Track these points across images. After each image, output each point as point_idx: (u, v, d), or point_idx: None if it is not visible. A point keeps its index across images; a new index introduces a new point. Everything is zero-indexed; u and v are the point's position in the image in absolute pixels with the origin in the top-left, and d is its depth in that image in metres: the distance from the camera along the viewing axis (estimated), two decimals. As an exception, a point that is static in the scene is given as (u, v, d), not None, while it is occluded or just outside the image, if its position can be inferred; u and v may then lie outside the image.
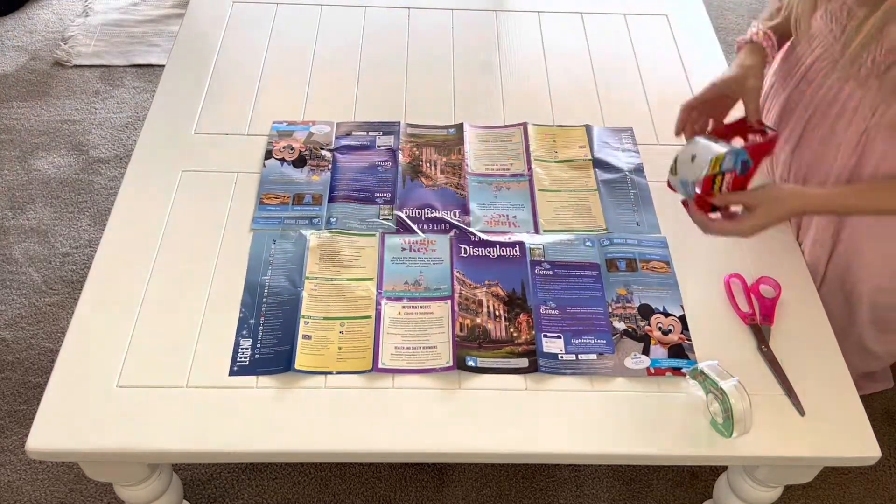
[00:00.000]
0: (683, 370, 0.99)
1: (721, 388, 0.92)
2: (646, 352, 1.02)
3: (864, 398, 1.00)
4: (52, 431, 0.92)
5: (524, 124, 1.32)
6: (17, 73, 2.23)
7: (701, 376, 0.96)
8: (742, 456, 0.95)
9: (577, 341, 1.03)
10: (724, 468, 1.16)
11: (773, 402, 0.98)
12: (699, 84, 1.41)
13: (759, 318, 1.06)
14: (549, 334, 1.03)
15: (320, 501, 1.42)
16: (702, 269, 1.13)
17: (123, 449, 0.92)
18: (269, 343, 1.01)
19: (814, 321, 1.08)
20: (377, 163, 1.24)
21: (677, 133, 1.12)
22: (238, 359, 0.99)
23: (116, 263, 1.09)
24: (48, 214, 1.87)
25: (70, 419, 0.93)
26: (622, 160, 1.27)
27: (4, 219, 1.86)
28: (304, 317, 1.04)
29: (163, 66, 1.60)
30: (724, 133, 1.10)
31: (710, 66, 1.45)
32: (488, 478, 1.46)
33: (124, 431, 0.92)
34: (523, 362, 1.01)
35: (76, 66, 2.26)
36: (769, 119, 1.23)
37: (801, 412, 0.97)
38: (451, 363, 1.00)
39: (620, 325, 1.05)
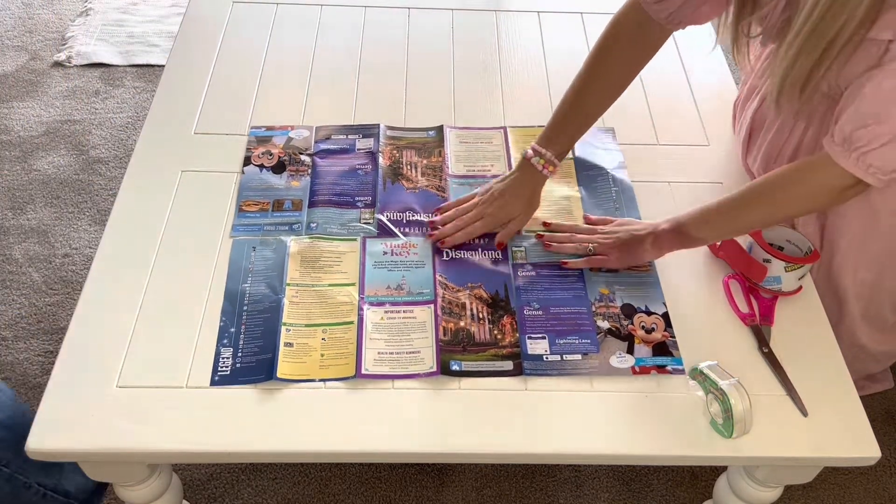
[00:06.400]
0: (668, 368, 1.00)
1: (721, 389, 0.92)
2: (630, 350, 1.02)
3: (864, 398, 1.00)
4: (52, 431, 0.92)
5: (504, 128, 1.31)
6: (17, 73, 2.23)
7: (701, 376, 0.96)
8: (742, 456, 0.95)
9: (561, 342, 1.03)
10: (724, 468, 1.16)
11: (774, 403, 0.98)
12: (699, 83, 1.42)
13: (759, 318, 1.06)
14: (533, 336, 1.03)
15: (320, 501, 1.42)
16: (700, 269, 1.12)
17: (123, 449, 0.92)
18: (250, 352, 1.00)
19: (814, 321, 1.08)
20: (357, 166, 1.23)
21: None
22: (219, 368, 0.98)
23: (116, 263, 1.09)
24: (48, 214, 1.87)
25: (70, 419, 0.93)
26: (604, 159, 1.26)
27: (4, 219, 1.86)
28: (285, 324, 1.03)
29: (163, 66, 1.60)
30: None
31: (709, 65, 1.45)
32: (488, 478, 1.46)
33: (124, 431, 0.92)
34: (508, 365, 1.00)
35: (76, 66, 2.26)
36: (741, 130, 1.24)
37: (804, 413, 0.97)
38: (434, 368, 0.99)
39: (604, 324, 1.05)
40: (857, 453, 0.95)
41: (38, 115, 2.12)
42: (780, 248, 1.09)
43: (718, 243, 1.12)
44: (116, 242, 1.11)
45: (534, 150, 1.14)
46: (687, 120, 1.35)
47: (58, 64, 2.27)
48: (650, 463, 1.40)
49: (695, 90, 1.41)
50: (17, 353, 1.62)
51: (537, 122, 1.33)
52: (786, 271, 1.06)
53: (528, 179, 1.15)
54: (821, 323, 1.07)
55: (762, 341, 1.04)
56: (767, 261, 1.06)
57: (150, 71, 2.27)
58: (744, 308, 1.08)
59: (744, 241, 1.10)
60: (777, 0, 0.96)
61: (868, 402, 1.03)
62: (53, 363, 0.98)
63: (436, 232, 1.14)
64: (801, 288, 1.09)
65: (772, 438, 0.95)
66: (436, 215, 1.17)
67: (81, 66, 2.27)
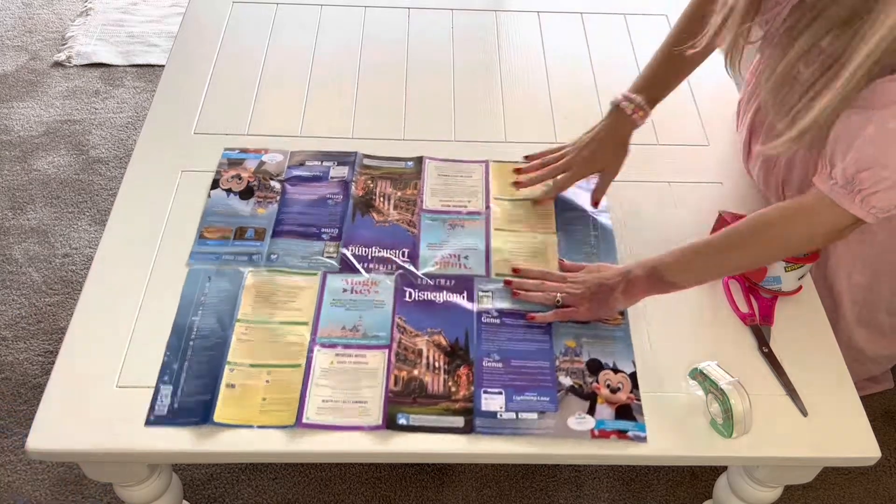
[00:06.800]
0: (630, 434, 0.94)
1: (721, 389, 0.92)
2: (591, 410, 0.96)
3: (863, 398, 1.00)
4: (52, 431, 0.92)
5: (486, 162, 1.25)
6: (17, 73, 2.23)
7: (701, 377, 0.96)
8: (742, 456, 0.95)
9: (518, 398, 0.96)
10: (724, 468, 1.16)
11: (774, 403, 0.98)
12: (699, 83, 1.42)
13: (759, 318, 1.06)
14: (489, 390, 0.97)
15: (320, 501, 1.42)
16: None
17: (123, 449, 0.92)
18: (189, 391, 0.95)
19: (814, 321, 1.08)
20: (328, 195, 1.18)
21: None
22: (156, 407, 0.93)
23: (116, 263, 1.09)
24: (48, 214, 1.87)
25: (70, 419, 0.93)
26: (586, 200, 1.20)
27: (4, 219, 1.86)
28: (229, 363, 0.97)
29: (163, 66, 1.60)
30: None
31: (708, 65, 1.45)
32: (488, 478, 1.46)
33: (124, 431, 0.92)
34: (458, 421, 0.94)
35: (76, 66, 2.26)
36: (742, 132, 1.24)
37: (804, 412, 0.97)
38: (380, 422, 0.93)
39: (567, 381, 0.98)
40: (857, 453, 0.95)
41: (38, 115, 2.12)
42: None
43: None
44: (116, 242, 1.11)
45: (624, 96, 1.15)
46: (687, 120, 1.35)
47: (58, 64, 2.27)
48: (650, 463, 1.40)
49: (695, 90, 1.41)
50: (17, 353, 1.62)
51: (537, 125, 1.33)
52: (786, 271, 1.06)
53: (617, 125, 1.15)
54: (821, 323, 1.07)
55: (762, 341, 1.04)
56: None
57: (150, 71, 2.27)
58: (744, 308, 1.08)
59: None
60: (781, 7, 0.96)
61: (868, 402, 1.03)
62: (53, 363, 0.98)
63: (523, 178, 1.18)
64: (800, 288, 1.09)
65: (772, 438, 0.95)
66: (526, 162, 1.20)
67: (81, 66, 2.27)
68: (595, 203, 1.18)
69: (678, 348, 1.03)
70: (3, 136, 2.05)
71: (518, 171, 1.21)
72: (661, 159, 1.28)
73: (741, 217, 1.08)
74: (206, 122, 1.30)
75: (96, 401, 0.94)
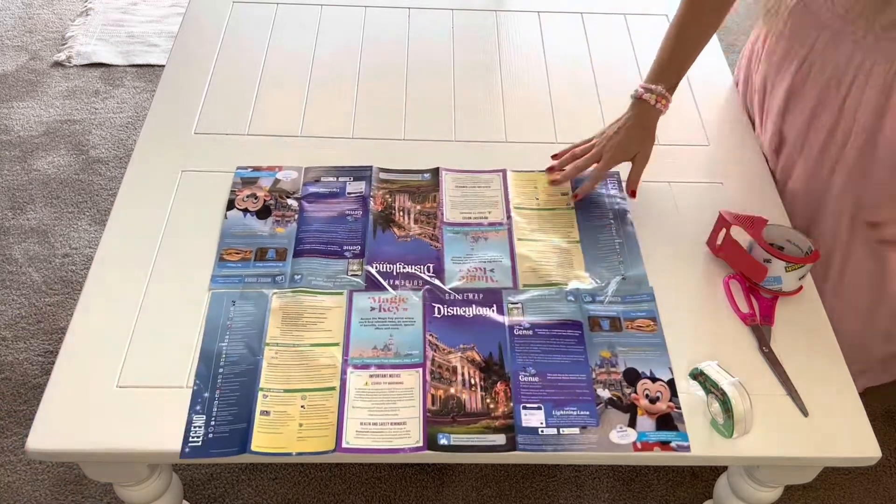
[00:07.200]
0: (673, 444, 0.93)
1: (721, 389, 0.92)
2: (632, 422, 0.94)
3: (864, 398, 1.00)
4: (52, 431, 0.92)
5: (503, 171, 1.24)
6: (17, 73, 2.23)
7: (701, 377, 0.96)
8: (742, 456, 0.95)
9: (558, 413, 0.94)
10: (724, 468, 1.16)
11: (774, 403, 0.98)
12: (699, 83, 1.42)
13: (759, 318, 1.06)
14: (528, 405, 0.95)
15: (320, 501, 1.42)
16: (700, 269, 1.12)
17: (123, 449, 0.91)
18: (223, 420, 0.92)
19: (814, 321, 1.08)
20: (347, 212, 1.16)
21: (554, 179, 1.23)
22: (190, 439, 0.90)
23: (116, 263, 1.09)
24: (48, 214, 1.87)
25: (70, 419, 0.93)
26: (607, 206, 1.20)
27: (4, 219, 1.86)
28: (262, 389, 0.95)
29: (163, 66, 1.60)
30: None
31: (709, 65, 1.45)
32: (488, 478, 1.46)
33: (124, 431, 0.92)
34: (500, 439, 0.92)
35: (76, 66, 2.26)
36: (774, 103, 1.24)
37: (805, 413, 0.97)
38: (421, 443, 0.91)
39: (605, 394, 0.97)
40: (857, 453, 0.95)
41: (38, 115, 2.12)
42: (781, 248, 1.09)
43: (719, 242, 1.11)
44: (116, 242, 1.11)
45: (643, 87, 1.17)
46: (687, 120, 1.35)
47: (58, 64, 2.27)
48: (651, 463, 1.40)
49: (695, 90, 1.41)
50: (17, 353, 1.62)
51: (537, 125, 1.33)
52: (786, 271, 1.06)
53: (642, 116, 1.17)
54: (821, 323, 1.07)
55: (762, 341, 1.04)
56: (768, 261, 1.06)
57: (150, 71, 2.27)
58: (744, 308, 1.08)
59: (744, 241, 1.10)
60: None
61: (868, 402, 1.03)
62: (53, 363, 0.98)
63: (557, 176, 1.21)
64: (801, 288, 1.09)
65: (772, 438, 0.95)
66: (554, 160, 1.23)
67: (81, 66, 2.27)
68: (632, 193, 1.18)
69: (678, 348, 1.03)
70: (3, 136, 2.05)
71: (550, 169, 1.22)
72: (662, 159, 1.27)
73: (741, 217, 1.09)
74: (206, 122, 1.30)
75: (96, 401, 0.94)
